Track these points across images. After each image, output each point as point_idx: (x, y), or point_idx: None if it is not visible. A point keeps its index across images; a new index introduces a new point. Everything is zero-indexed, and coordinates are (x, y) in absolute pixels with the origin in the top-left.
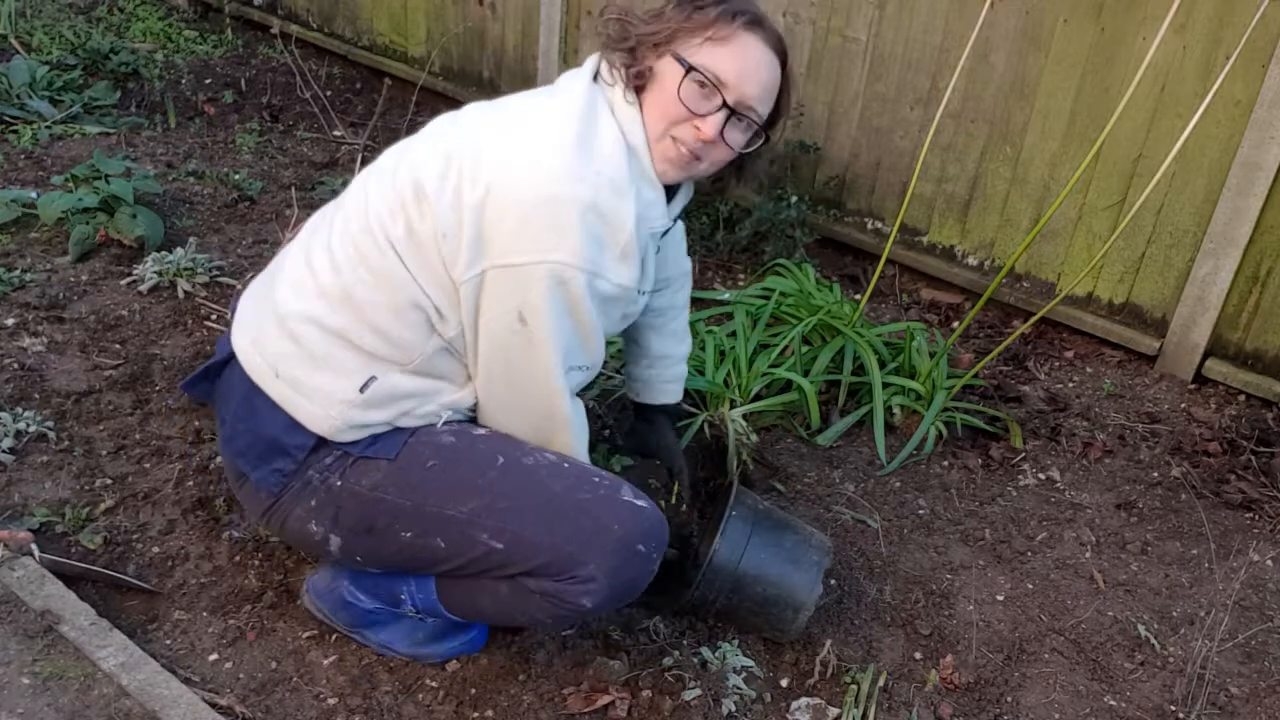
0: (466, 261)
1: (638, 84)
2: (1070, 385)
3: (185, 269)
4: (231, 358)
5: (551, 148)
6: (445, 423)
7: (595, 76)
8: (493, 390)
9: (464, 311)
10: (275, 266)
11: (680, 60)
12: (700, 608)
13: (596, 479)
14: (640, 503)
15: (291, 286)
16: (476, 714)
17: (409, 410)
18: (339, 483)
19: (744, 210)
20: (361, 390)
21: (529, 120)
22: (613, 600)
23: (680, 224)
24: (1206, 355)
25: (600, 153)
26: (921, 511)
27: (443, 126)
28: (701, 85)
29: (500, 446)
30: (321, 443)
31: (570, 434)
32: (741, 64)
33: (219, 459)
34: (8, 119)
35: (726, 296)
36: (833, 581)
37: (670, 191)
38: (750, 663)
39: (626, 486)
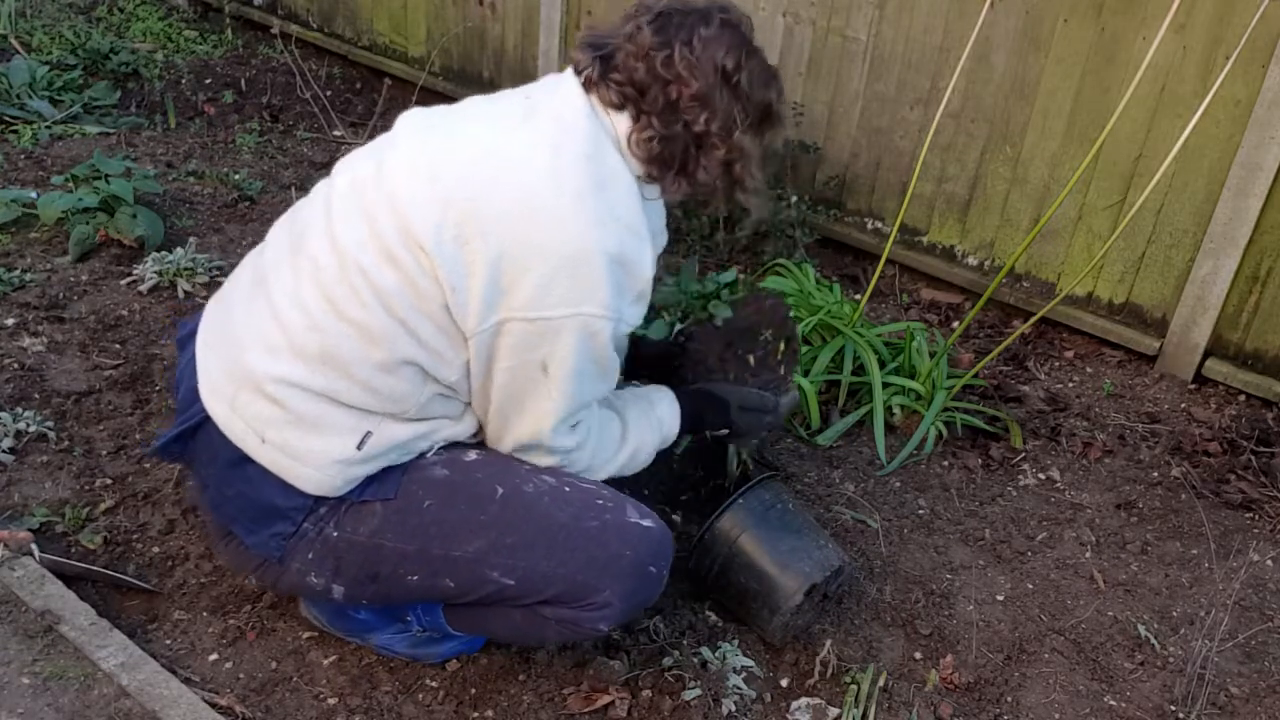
0: (480, 314)
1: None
2: (1070, 385)
3: (185, 269)
4: (206, 420)
5: (571, 197)
6: (435, 451)
7: (585, 89)
8: (502, 428)
9: (474, 359)
10: (230, 301)
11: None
12: (697, 580)
13: (600, 501)
14: (646, 523)
15: (262, 345)
16: (476, 714)
17: (407, 451)
18: (335, 533)
19: (744, 210)
20: (359, 447)
21: (534, 158)
22: (626, 619)
23: None
24: (1206, 355)
25: (617, 198)
26: (921, 511)
27: (427, 149)
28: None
29: (496, 474)
30: (319, 500)
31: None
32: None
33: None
34: (8, 119)
35: None
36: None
37: None
38: (750, 663)
39: (630, 506)
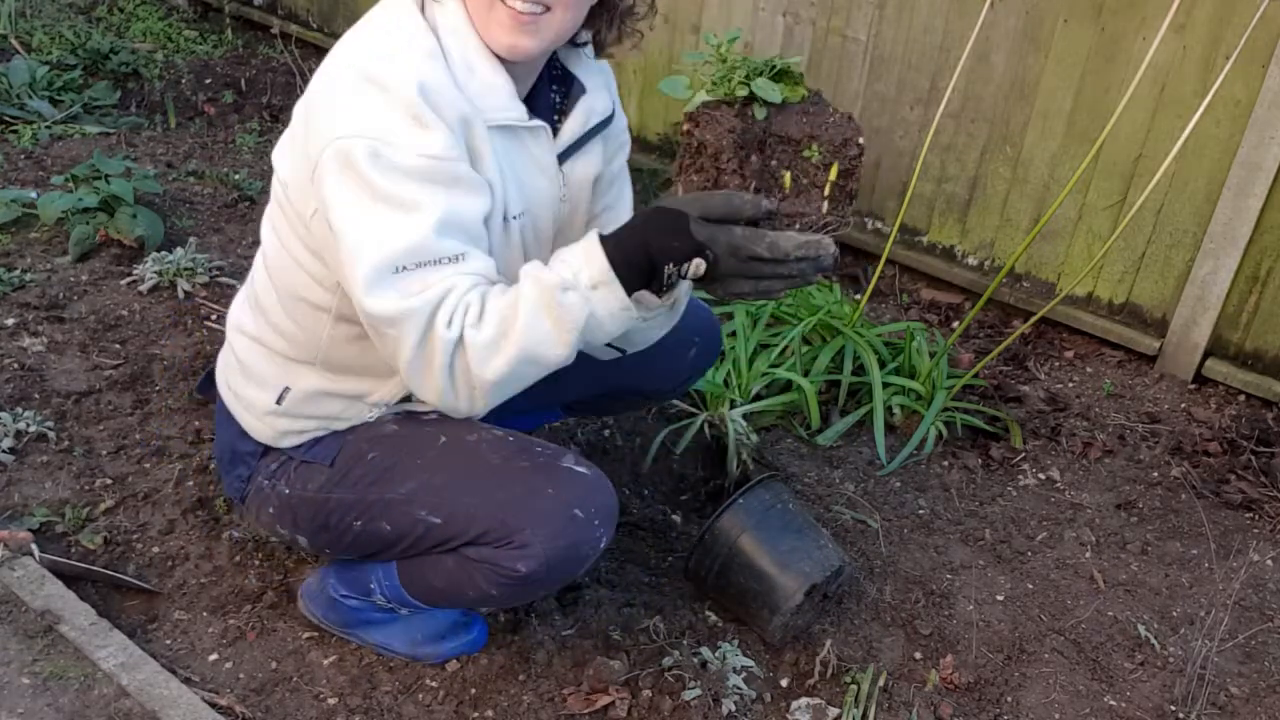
0: (306, 198)
1: None
2: (1070, 385)
3: (185, 269)
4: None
5: (338, 51)
6: (389, 414)
7: None
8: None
9: (320, 260)
10: None
11: None
12: (697, 580)
13: (538, 449)
14: (580, 469)
15: (237, 299)
16: (476, 714)
17: (338, 414)
18: (287, 490)
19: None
20: (278, 402)
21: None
22: (553, 568)
23: (620, 150)
24: (1206, 355)
25: (379, 30)
26: (921, 511)
27: None
28: None
29: (445, 427)
30: (268, 449)
31: (439, 349)
32: None
33: None
34: (8, 119)
35: None
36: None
37: (565, 104)
38: (750, 663)
39: (569, 455)
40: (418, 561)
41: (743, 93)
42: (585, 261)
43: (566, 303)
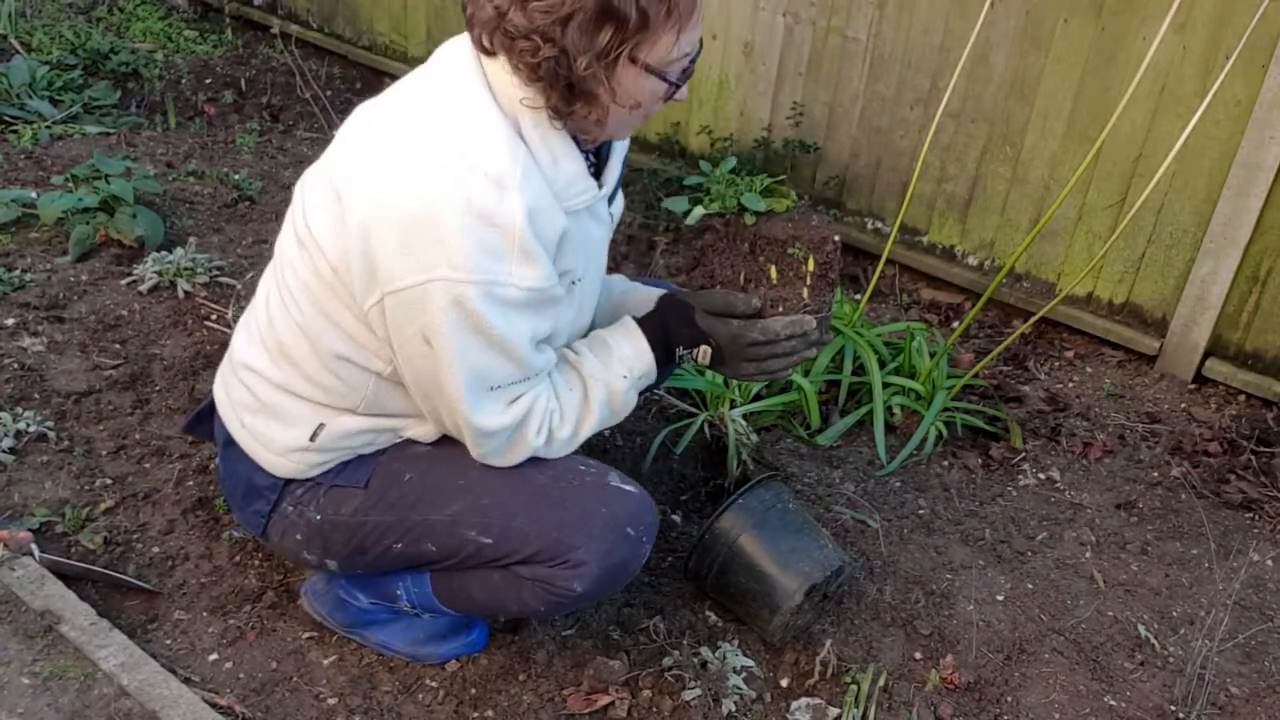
0: (363, 291)
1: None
2: (1070, 385)
3: (185, 269)
4: (215, 402)
5: (416, 148)
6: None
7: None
8: (436, 416)
9: (381, 340)
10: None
11: (658, 74)
12: (697, 580)
13: (583, 467)
14: (628, 488)
15: (245, 332)
16: (476, 714)
17: (369, 443)
18: (317, 516)
19: None
20: (312, 439)
21: (393, 116)
22: (604, 584)
23: (619, 203)
24: (1207, 355)
25: (471, 141)
26: (921, 511)
27: (334, 142)
28: (678, 82)
29: None
30: (290, 481)
31: (523, 449)
32: (698, 29)
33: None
34: (8, 119)
35: None
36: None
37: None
38: (750, 663)
39: (614, 473)
40: (458, 575)
41: (733, 205)
42: (637, 359)
43: (629, 398)
